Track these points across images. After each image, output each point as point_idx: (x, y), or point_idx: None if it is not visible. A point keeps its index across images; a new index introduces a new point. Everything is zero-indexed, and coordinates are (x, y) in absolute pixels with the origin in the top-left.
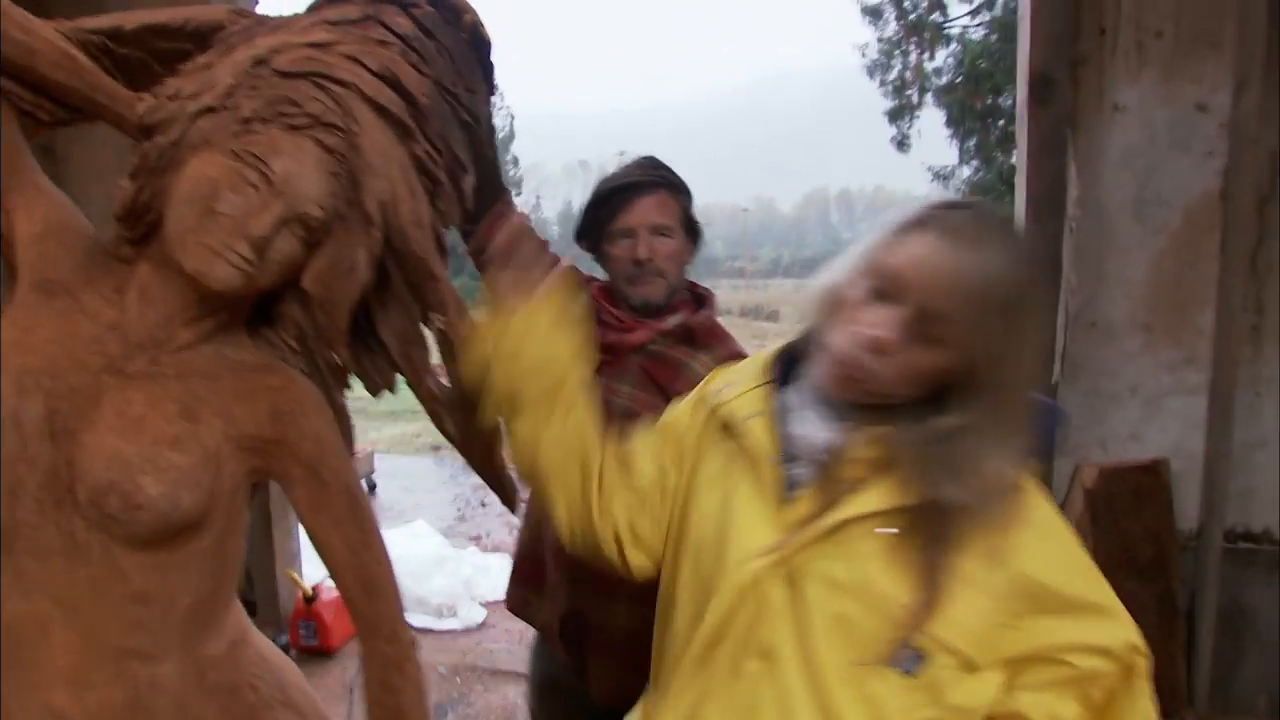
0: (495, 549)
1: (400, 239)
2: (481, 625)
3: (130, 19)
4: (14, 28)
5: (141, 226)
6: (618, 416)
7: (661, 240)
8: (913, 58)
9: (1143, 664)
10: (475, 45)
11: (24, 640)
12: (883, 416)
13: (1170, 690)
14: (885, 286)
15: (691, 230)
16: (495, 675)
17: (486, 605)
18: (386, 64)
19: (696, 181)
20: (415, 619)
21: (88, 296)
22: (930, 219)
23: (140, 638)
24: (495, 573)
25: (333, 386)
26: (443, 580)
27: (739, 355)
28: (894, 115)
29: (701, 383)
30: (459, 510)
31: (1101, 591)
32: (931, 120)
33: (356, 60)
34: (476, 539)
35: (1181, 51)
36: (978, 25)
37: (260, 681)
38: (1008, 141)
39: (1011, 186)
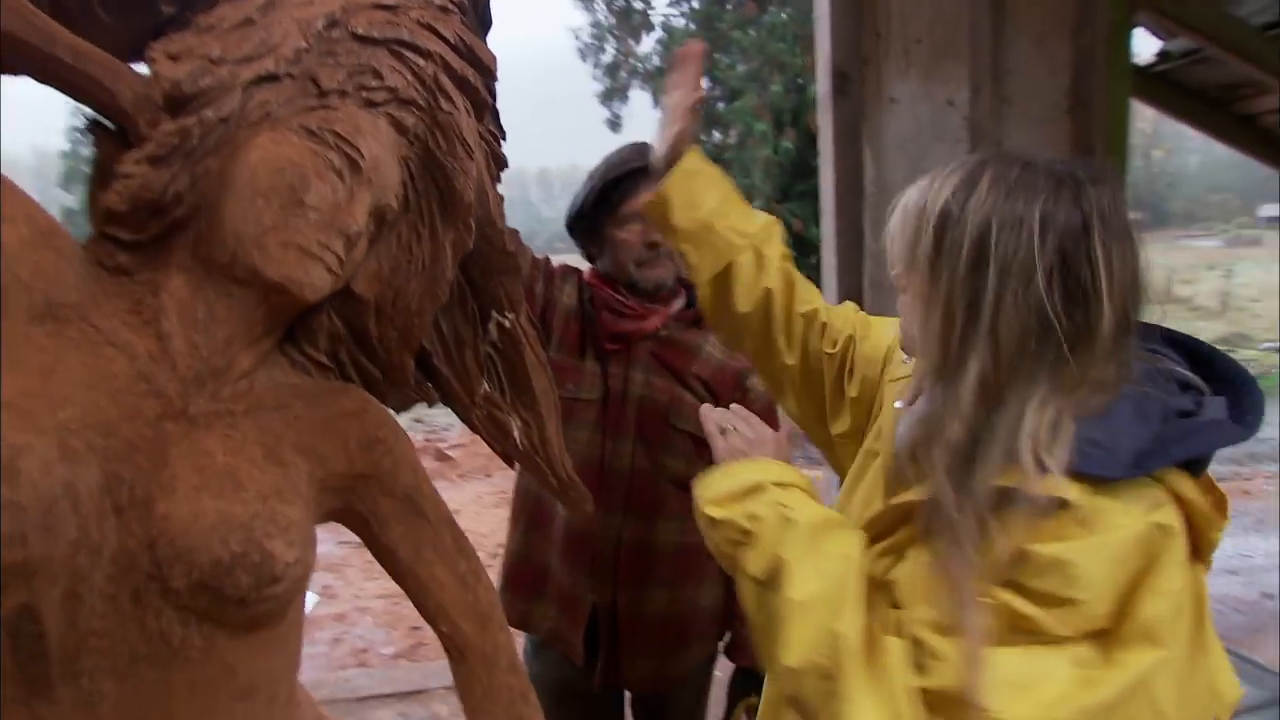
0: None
1: (484, 230)
2: None
3: None
4: None
5: (157, 226)
6: (633, 404)
7: None
8: (624, 43)
9: None
10: (483, 22)
11: None
12: None
13: None
14: None
15: None
16: (361, 703)
17: None
18: (459, 33)
19: None
20: None
21: (104, 321)
22: None
23: None
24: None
25: None
26: None
27: None
28: (606, 97)
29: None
30: None
31: None
32: (639, 102)
33: (431, 28)
34: None
35: (935, 56)
36: (679, 15)
37: None
38: (711, 122)
39: (719, 163)
